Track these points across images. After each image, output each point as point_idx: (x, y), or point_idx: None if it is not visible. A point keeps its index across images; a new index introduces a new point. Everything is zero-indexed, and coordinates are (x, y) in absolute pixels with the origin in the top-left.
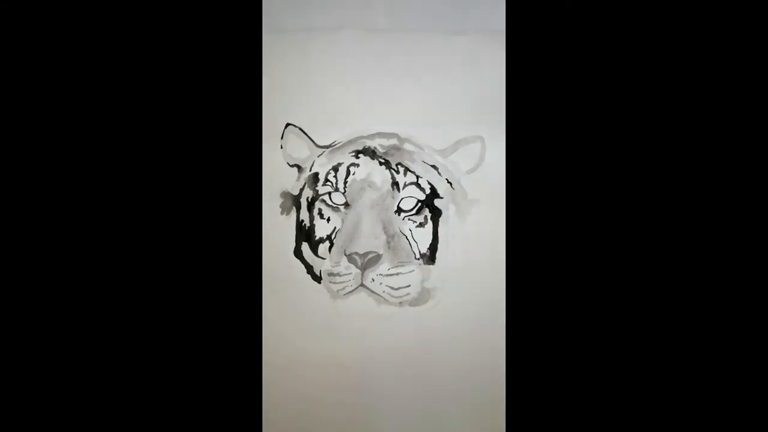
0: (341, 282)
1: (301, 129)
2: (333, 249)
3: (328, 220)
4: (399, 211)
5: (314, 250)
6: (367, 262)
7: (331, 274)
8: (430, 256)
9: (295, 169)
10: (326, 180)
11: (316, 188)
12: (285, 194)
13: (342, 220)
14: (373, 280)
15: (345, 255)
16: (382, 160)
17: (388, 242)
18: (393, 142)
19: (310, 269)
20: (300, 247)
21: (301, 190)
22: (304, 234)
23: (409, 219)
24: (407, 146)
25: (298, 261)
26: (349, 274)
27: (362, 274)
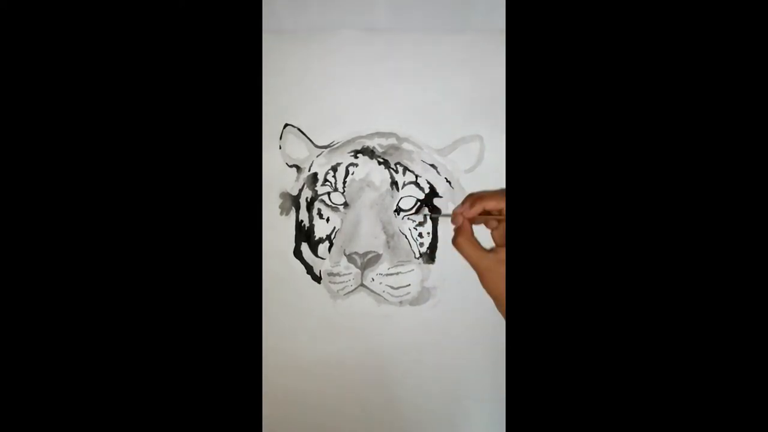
0: (341, 282)
1: (299, 129)
2: (333, 249)
3: (328, 220)
4: (398, 210)
5: (314, 251)
6: (367, 261)
7: (330, 274)
8: (430, 255)
9: (294, 169)
10: (325, 180)
11: (315, 188)
12: (284, 194)
13: (341, 220)
14: (373, 279)
15: (345, 255)
16: (381, 160)
17: (388, 242)
18: (392, 141)
19: (309, 269)
20: (300, 247)
21: (300, 190)
22: (304, 234)
23: (408, 218)
24: (406, 146)
25: (297, 261)
26: (349, 273)
27: (362, 274)
